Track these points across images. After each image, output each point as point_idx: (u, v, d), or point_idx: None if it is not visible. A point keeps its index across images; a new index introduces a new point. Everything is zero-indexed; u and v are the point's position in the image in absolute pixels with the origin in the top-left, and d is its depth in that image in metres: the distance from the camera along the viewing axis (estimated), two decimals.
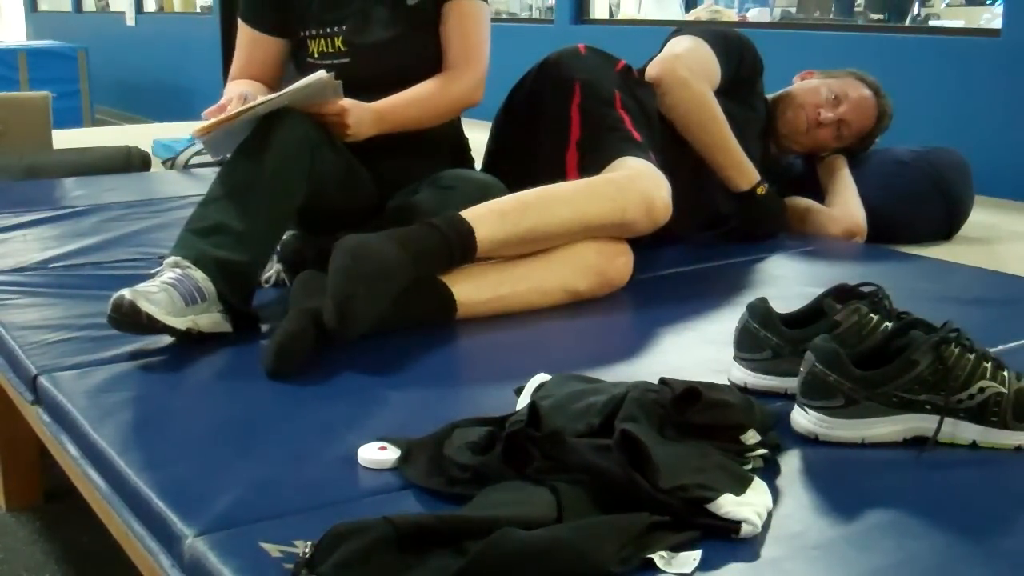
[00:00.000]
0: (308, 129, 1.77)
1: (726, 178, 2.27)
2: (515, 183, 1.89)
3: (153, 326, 1.52)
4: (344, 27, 2.04)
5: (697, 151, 2.25)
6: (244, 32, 2.12)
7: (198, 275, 1.60)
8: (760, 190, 2.27)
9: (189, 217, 1.70)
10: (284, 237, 1.95)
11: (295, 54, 2.10)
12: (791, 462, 1.21)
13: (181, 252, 1.63)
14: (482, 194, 1.84)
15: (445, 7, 2.07)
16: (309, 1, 2.06)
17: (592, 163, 1.96)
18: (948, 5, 5.98)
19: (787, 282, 2.01)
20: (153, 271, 1.63)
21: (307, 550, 0.94)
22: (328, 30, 2.05)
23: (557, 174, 1.96)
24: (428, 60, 2.08)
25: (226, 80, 2.10)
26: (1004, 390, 1.24)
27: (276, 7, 2.07)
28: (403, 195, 2.02)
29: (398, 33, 2.05)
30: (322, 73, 1.76)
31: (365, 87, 1.94)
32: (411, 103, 2.00)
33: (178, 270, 1.60)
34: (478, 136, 2.30)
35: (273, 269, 1.92)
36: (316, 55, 2.06)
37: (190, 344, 1.58)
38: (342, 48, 2.05)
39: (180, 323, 1.55)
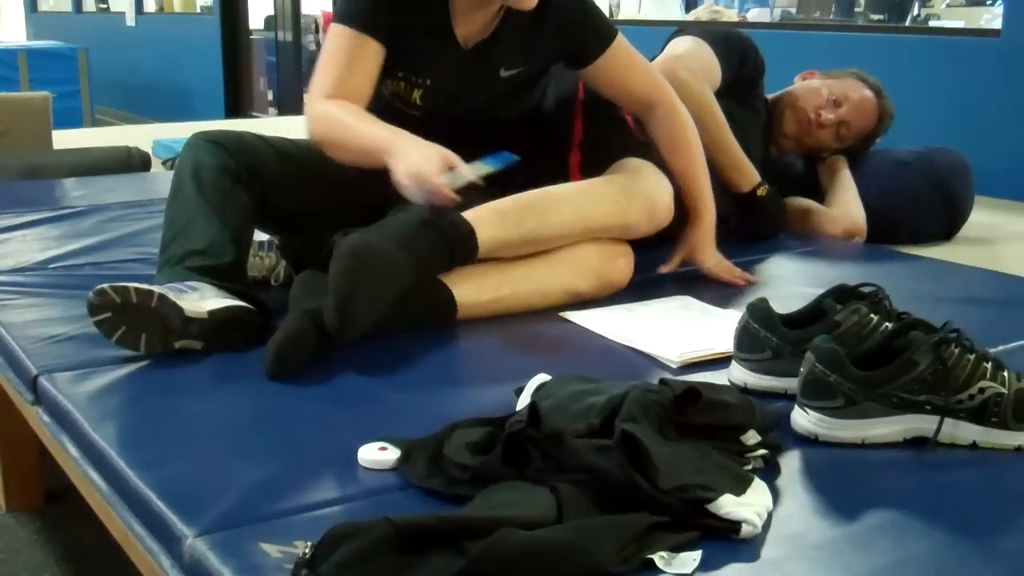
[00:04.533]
0: (217, 153, 1.77)
1: (726, 179, 2.27)
2: (517, 184, 1.88)
3: (130, 301, 1.48)
4: (428, 82, 1.91)
5: None
6: (349, 38, 1.82)
7: (182, 284, 1.59)
8: (760, 191, 2.27)
9: (157, 265, 1.71)
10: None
11: None
12: (791, 462, 1.21)
13: (162, 281, 1.61)
14: None
15: (591, 68, 1.96)
16: (415, 41, 1.87)
17: (595, 164, 1.96)
18: (948, 5, 5.98)
19: (787, 282, 2.01)
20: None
21: (307, 550, 0.94)
22: (413, 79, 1.91)
23: (560, 175, 1.96)
24: (502, 125, 1.99)
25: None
26: (1004, 390, 1.24)
27: (389, 19, 1.84)
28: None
29: (476, 104, 1.96)
30: None
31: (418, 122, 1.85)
32: (702, 164, 2.01)
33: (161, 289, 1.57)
34: None
35: (280, 266, 1.92)
36: (388, 94, 1.92)
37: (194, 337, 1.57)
38: (417, 103, 1.92)
39: (174, 296, 1.51)
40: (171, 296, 1.52)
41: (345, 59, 1.83)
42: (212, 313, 1.55)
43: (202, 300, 1.57)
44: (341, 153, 1.80)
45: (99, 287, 1.49)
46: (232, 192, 1.77)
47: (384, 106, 1.87)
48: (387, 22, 1.83)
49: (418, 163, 1.61)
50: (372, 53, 1.83)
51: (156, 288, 1.52)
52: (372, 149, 1.72)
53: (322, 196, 1.92)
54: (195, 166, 1.77)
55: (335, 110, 1.79)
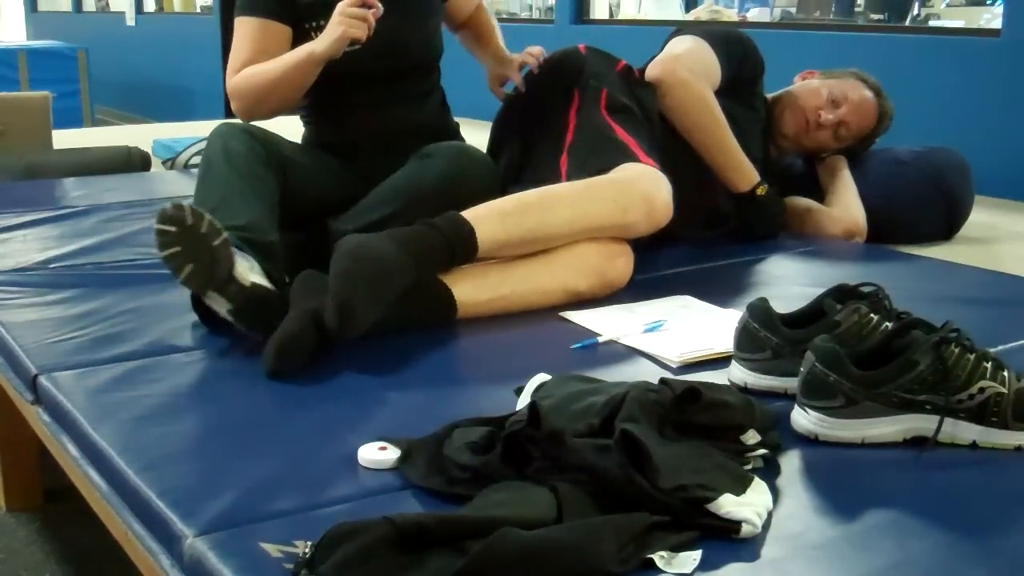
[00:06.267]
0: (246, 140, 1.84)
1: (726, 179, 2.27)
2: (514, 184, 1.89)
3: (199, 229, 1.49)
4: None
5: (697, 152, 2.24)
6: (249, 24, 2.05)
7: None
8: (760, 191, 2.27)
9: None
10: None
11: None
12: (791, 462, 1.21)
13: None
14: (459, 153, 1.88)
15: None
16: None
17: (577, 167, 1.95)
18: (948, 5, 5.97)
19: (787, 282, 2.01)
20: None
21: (307, 550, 0.94)
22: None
23: (553, 177, 1.96)
24: (434, 47, 2.14)
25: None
26: (1004, 390, 1.24)
27: None
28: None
29: (404, 19, 2.06)
30: None
31: (381, 80, 1.95)
32: None
33: None
34: (479, 136, 2.30)
35: None
36: None
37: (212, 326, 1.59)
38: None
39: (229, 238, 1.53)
40: (232, 248, 1.53)
41: (251, 44, 2.03)
42: (255, 286, 1.55)
43: (251, 272, 1.57)
44: (267, 97, 1.99)
45: (179, 203, 1.50)
46: (264, 177, 1.81)
47: (326, 64, 1.93)
48: (285, 1, 2.02)
49: (331, 24, 1.84)
50: (277, 34, 2.03)
51: (225, 232, 1.53)
52: (292, 64, 1.92)
53: (332, 187, 2.01)
54: (225, 150, 1.80)
55: (246, 72, 2.00)
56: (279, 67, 1.95)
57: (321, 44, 1.87)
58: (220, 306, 1.55)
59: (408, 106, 2.14)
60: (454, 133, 2.26)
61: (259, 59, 2.01)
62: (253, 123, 1.94)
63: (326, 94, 2.04)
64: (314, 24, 2.03)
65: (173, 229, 1.50)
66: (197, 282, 1.52)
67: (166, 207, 1.50)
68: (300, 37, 2.04)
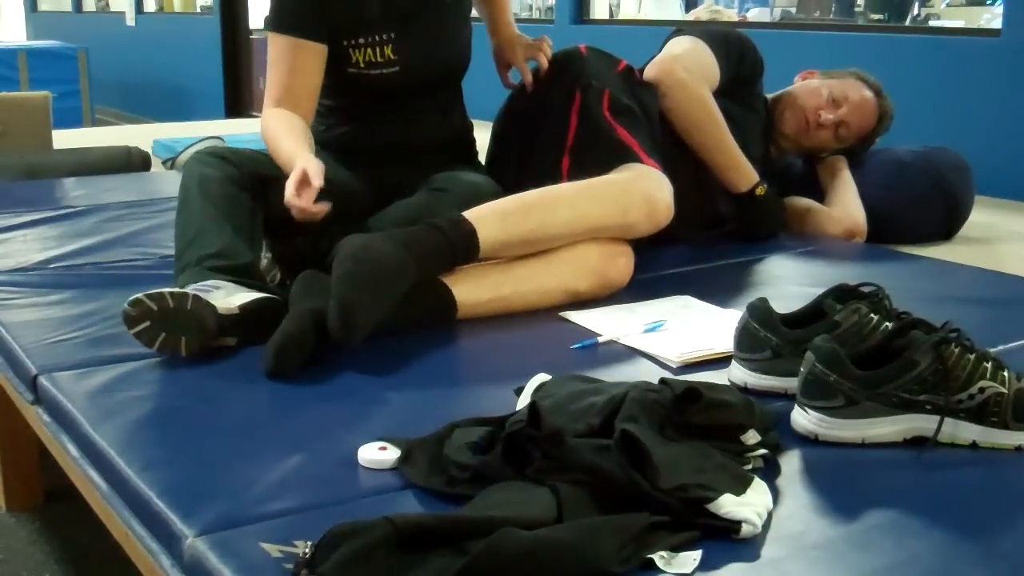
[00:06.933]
0: (218, 165, 1.85)
1: (725, 179, 2.26)
2: (515, 185, 1.89)
3: (167, 306, 1.48)
4: (393, 35, 1.99)
5: (696, 152, 2.24)
6: (282, 43, 1.96)
7: (204, 284, 1.60)
8: (759, 191, 2.27)
9: (174, 273, 1.74)
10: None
11: (330, 66, 2.00)
12: (791, 462, 1.21)
13: (184, 284, 1.63)
14: (474, 195, 1.85)
15: None
16: (353, 8, 1.97)
17: (581, 168, 1.95)
18: (948, 5, 5.98)
19: (787, 282, 2.01)
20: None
21: (307, 550, 0.94)
22: (376, 38, 1.99)
23: (555, 178, 1.95)
24: (468, 57, 2.14)
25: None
26: (1004, 390, 1.24)
27: (320, 11, 1.95)
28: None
29: (442, 34, 2.06)
30: None
31: (415, 94, 1.96)
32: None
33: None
34: (479, 136, 2.30)
35: (276, 267, 1.92)
36: (362, 65, 2.00)
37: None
38: (392, 57, 2.00)
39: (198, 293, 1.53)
40: (203, 296, 1.53)
41: (285, 66, 1.96)
42: (242, 308, 1.57)
43: (229, 297, 1.58)
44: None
45: (133, 297, 1.49)
46: (239, 199, 1.81)
47: (363, 81, 1.92)
48: (319, 19, 1.95)
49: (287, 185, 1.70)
50: (311, 54, 1.96)
51: (188, 290, 1.53)
52: (290, 162, 1.78)
53: (320, 198, 1.95)
54: (200, 179, 1.82)
55: (270, 123, 1.91)
56: (282, 155, 1.85)
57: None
58: (227, 343, 1.57)
59: (434, 116, 2.12)
60: (471, 141, 2.25)
61: (294, 81, 1.95)
62: (229, 147, 1.95)
63: (355, 102, 2.02)
64: (352, 43, 1.98)
65: (147, 323, 1.50)
66: (197, 346, 1.53)
67: (127, 310, 1.49)
68: (337, 54, 1.99)
